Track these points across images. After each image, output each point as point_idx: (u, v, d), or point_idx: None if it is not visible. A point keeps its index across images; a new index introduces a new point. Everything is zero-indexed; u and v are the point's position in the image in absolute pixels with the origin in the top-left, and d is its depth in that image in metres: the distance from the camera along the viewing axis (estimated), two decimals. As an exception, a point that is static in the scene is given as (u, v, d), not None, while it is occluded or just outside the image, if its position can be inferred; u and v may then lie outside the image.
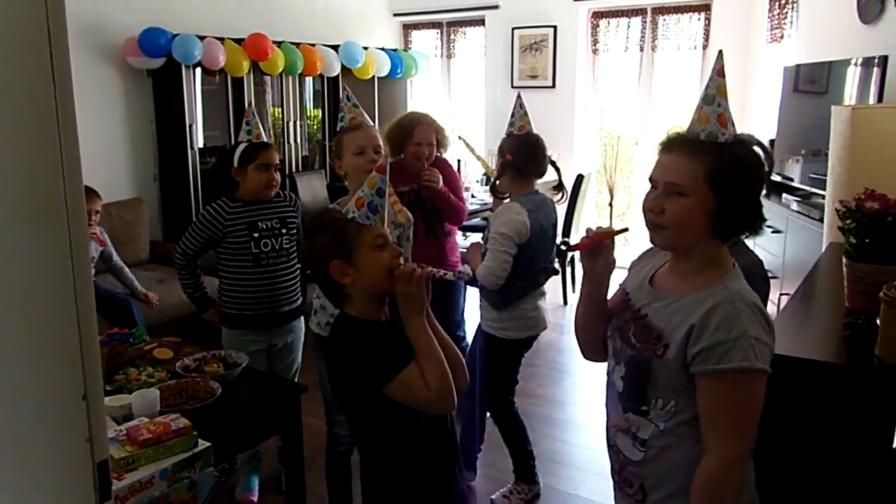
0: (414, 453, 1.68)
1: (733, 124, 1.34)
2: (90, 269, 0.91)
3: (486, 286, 2.68)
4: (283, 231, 2.82)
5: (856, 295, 1.84)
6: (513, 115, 2.78)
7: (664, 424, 1.36)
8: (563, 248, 1.51)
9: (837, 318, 1.82)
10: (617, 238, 1.50)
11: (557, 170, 2.87)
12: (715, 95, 1.35)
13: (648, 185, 1.41)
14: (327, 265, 1.62)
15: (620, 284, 1.59)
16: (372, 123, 2.55)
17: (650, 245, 1.51)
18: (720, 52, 1.39)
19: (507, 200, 2.76)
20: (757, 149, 1.33)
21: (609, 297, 1.57)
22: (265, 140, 2.85)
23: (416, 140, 3.15)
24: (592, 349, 1.63)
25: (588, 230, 1.51)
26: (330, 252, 1.61)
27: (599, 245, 1.49)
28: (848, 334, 1.69)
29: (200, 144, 5.39)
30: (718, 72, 1.37)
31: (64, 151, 0.86)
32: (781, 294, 3.61)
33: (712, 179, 1.29)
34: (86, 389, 0.89)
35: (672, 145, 1.36)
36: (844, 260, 1.86)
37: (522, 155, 2.70)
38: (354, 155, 2.42)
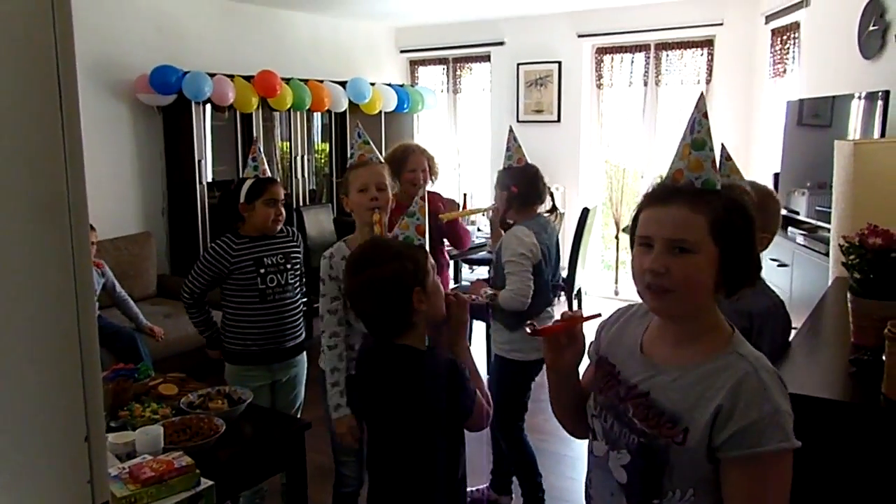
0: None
1: (717, 169, 1.27)
2: (94, 304, 0.92)
3: (514, 308, 2.73)
4: (288, 266, 2.83)
5: (861, 331, 1.83)
6: (508, 149, 2.91)
7: None
8: (528, 330, 1.41)
9: (843, 354, 1.81)
10: (588, 323, 1.36)
11: (551, 194, 3.00)
12: (705, 140, 1.25)
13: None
14: (406, 292, 1.59)
15: (592, 352, 1.43)
16: (381, 159, 2.59)
17: (619, 307, 1.43)
18: (701, 94, 1.33)
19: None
20: (750, 189, 1.33)
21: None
22: (269, 175, 2.89)
23: (409, 167, 3.26)
24: (582, 430, 1.44)
25: (563, 314, 1.37)
26: (410, 279, 1.59)
27: (570, 331, 1.34)
28: (854, 371, 1.67)
29: (209, 179, 5.45)
30: (704, 114, 1.28)
31: (70, 178, 0.87)
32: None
33: (716, 231, 1.18)
34: (88, 430, 0.89)
35: (668, 197, 1.23)
36: (849, 295, 1.86)
37: (526, 186, 2.84)
38: (357, 192, 2.44)
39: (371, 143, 2.57)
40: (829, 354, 1.92)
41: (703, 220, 1.18)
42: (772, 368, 1.19)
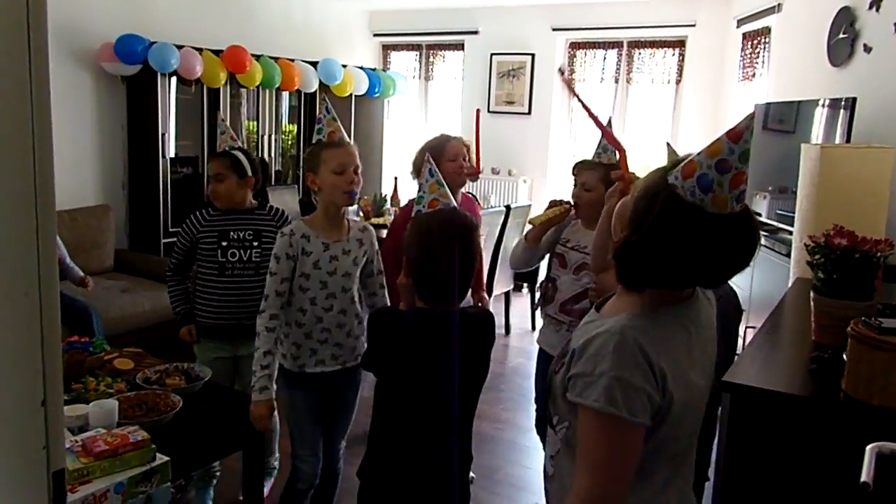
0: None
1: (701, 188, 1.14)
2: (56, 268, 0.88)
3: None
4: (255, 244, 2.77)
5: (822, 329, 1.86)
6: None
7: (560, 445, 1.31)
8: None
9: (804, 351, 1.84)
10: None
11: None
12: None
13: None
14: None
15: None
16: (349, 140, 2.47)
17: None
18: (751, 114, 1.20)
19: None
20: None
21: None
22: (232, 146, 2.84)
23: (448, 157, 3.07)
24: None
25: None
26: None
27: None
28: (815, 367, 1.70)
29: (172, 154, 5.33)
30: (730, 131, 1.15)
31: (38, 155, 0.83)
32: (748, 327, 3.64)
33: (636, 200, 1.23)
34: (45, 395, 0.85)
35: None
36: (812, 294, 1.89)
37: None
38: (333, 173, 2.32)
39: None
40: (790, 352, 1.96)
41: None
42: (632, 339, 1.16)
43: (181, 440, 2.13)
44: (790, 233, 3.61)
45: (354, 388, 2.49)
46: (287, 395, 2.43)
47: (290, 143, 6.35)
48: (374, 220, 5.54)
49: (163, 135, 5.08)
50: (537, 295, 5.57)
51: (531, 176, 6.65)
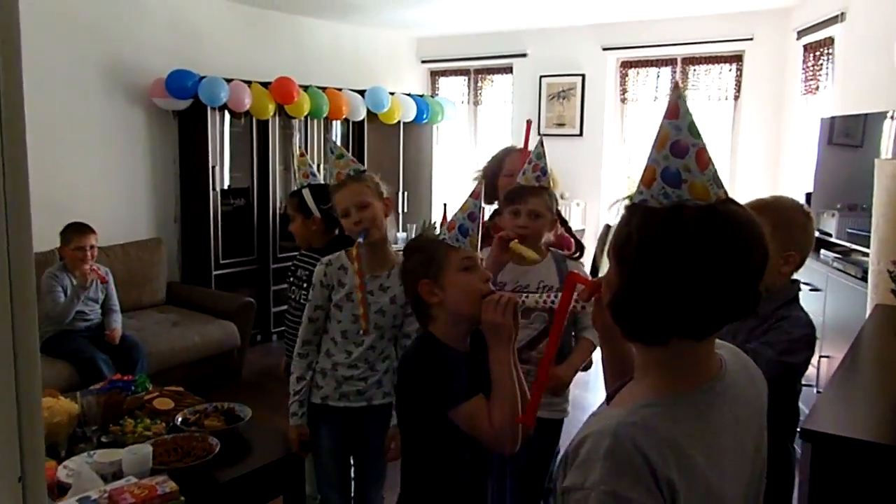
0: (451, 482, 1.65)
1: (670, 183, 0.95)
2: (35, 321, 0.78)
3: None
4: (305, 285, 2.65)
5: (913, 367, 1.67)
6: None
7: None
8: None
9: (888, 392, 1.65)
10: None
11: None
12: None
13: None
14: (417, 284, 1.64)
15: None
16: (360, 169, 2.29)
17: None
18: (675, 83, 1.05)
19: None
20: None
21: None
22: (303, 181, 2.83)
23: (505, 172, 2.73)
24: None
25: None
26: (419, 271, 1.64)
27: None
28: (905, 412, 1.51)
29: (226, 185, 5.39)
30: (666, 112, 0.99)
31: (7, 173, 0.74)
32: (822, 356, 3.40)
33: (612, 246, 1.02)
34: (23, 471, 0.76)
35: None
36: (899, 327, 1.69)
37: None
38: (342, 217, 2.26)
39: (346, 155, 2.31)
40: (873, 392, 1.76)
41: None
42: (628, 441, 0.90)
43: (217, 485, 2.05)
44: (864, 254, 3.36)
45: (384, 427, 2.28)
46: (311, 430, 2.33)
47: (339, 171, 6.32)
48: (424, 248, 5.44)
49: (213, 167, 5.11)
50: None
51: (584, 199, 6.48)
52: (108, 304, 4.09)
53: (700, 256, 0.91)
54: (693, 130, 0.94)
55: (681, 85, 6.07)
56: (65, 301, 3.84)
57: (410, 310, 2.23)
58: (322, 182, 2.82)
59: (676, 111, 0.95)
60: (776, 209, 1.78)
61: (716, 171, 0.95)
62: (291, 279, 2.78)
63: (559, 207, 2.40)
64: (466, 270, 1.62)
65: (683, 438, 0.92)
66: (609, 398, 1.11)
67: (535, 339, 2.32)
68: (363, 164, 6.19)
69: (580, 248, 2.51)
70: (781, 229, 1.63)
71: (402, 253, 2.19)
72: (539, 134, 6.75)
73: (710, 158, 0.94)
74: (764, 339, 1.67)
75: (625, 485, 0.88)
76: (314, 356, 2.31)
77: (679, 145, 0.93)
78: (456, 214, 1.66)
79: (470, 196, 1.70)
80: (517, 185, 2.32)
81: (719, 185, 0.94)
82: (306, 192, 2.73)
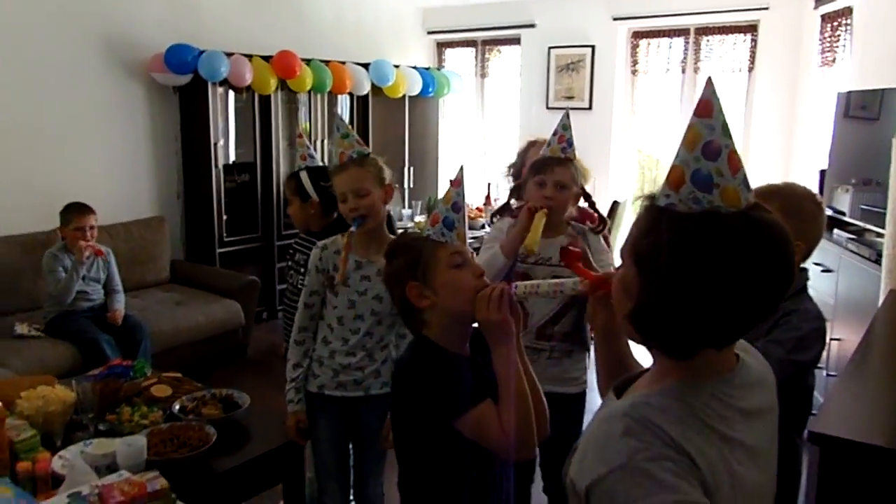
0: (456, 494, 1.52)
1: (701, 188, 0.89)
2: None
3: None
4: (303, 270, 2.60)
5: (930, 363, 1.60)
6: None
7: None
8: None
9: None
10: None
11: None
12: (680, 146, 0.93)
13: None
14: (404, 289, 1.51)
15: None
16: (364, 152, 2.20)
17: None
18: (709, 79, 0.96)
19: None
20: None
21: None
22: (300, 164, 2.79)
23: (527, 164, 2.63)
24: None
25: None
26: (405, 274, 1.51)
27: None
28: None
29: (232, 160, 5.35)
30: (697, 108, 0.93)
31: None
32: (832, 339, 3.33)
33: (633, 251, 0.96)
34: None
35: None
36: (917, 321, 1.62)
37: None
38: (340, 202, 2.19)
39: (351, 135, 2.20)
40: (886, 389, 1.68)
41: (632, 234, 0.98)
42: (644, 418, 0.88)
43: (214, 475, 2.02)
44: (878, 234, 3.27)
45: (382, 418, 2.22)
46: (309, 418, 2.28)
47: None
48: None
49: (215, 144, 5.04)
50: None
51: (593, 173, 6.35)
52: (110, 285, 4.07)
53: (739, 267, 0.87)
54: (726, 130, 0.89)
55: (695, 57, 5.93)
56: (65, 278, 3.81)
57: None
58: (320, 164, 2.75)
59: (710, 109, 0.90)
60: (787, 196, 1.71)
61: (745, 173, 0.89)
62: (290, 263, 2.74)
63: (584, 182, 2.35)
64: (457, 267, 1.49)
65: (702, 420, 0.89)
66: (617, 389, 1.07)
67: (557, 315, 2.30)
68: (368, 139, 6.13)
69: (603, 222, 2.43)
70: (791, 217, 1.54)
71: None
72: (547, 107, 6.66)
73: (740, 160, 0.89)
74: (771, 336, 1.60)
75: (653, 459, 0.84)
76: (311, 343, 2.27)
77: (712, 147, 0.88)
78: (439, 206, 1.53)
79: (452, 184, 1.56)
80: (543, 155, 2.31)
81: (748, 188, 0.89)
82: (304, 175, 2.66)
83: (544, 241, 2.23)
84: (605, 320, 1.19)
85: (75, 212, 3.84)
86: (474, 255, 1.56)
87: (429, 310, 1.50)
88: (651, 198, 0.95)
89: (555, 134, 2.30)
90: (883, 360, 1.85)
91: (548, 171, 2.23)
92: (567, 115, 2.32)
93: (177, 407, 2.27)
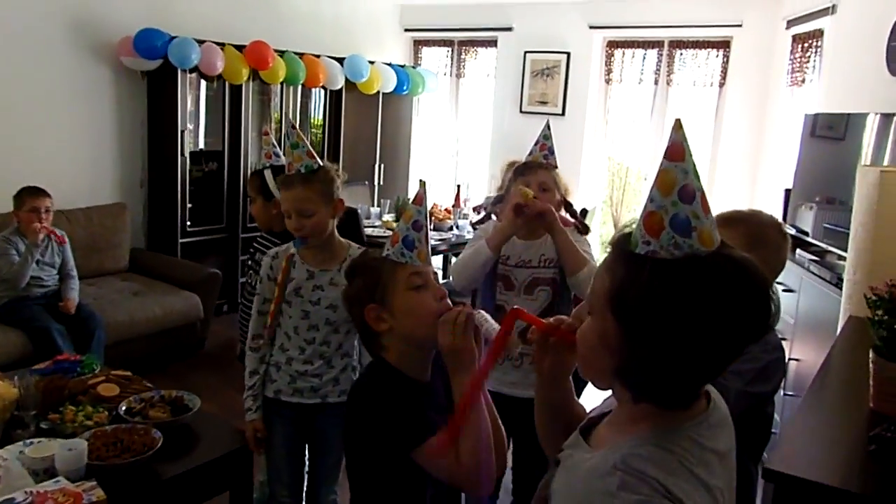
0: None
1: (680, 232, 0.88)
2: None
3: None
4: (258, 269, 2.57)
5: (883, 397, 1.60)
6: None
7: None
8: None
9: (861, 423, 1.58)
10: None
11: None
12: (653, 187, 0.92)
13: None
14: (363, 311, 1.45)
15: None
16: (312, 167, 2.09)
17: None
18: (677, 121, 0.93)
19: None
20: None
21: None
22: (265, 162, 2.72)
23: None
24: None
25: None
26: (363, 296, 1.45)
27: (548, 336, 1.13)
28: (873, 449, 1.45)
29: (201, 147, 5.28)
30: (668, 152, 0.91)
31: None
32: (791, 359, 3.36)
33: (613, 304, 0.91)
34: None
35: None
36: (872, 355, 1.63)
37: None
38: (286, 217, 2.13)
39: (301, 145, 2.09)
40: (844, 424, 1.68)
41: (606, 283, 0.93)
42: (639, 472, 0.86)
43: (159, 481, 1.96)
44: (840, 257, 3.31)
45: (339, 426, 2.22)
46: (265, 423, 2.23)
47: (317, 140, 6.15)
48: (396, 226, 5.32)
49: (182, 132, 4.93)
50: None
51: (564, 179, 6.36)
52: (64, 269, 3.96)
53: (730, 307, 0.86)
54: (696, 173, 0.89)
55: (668, 69, 5.96)
56: (19, 262, 3.69)
57: None
58: (284, 163, 2.70)
59: (682, 153, 0.88)
60: (752, 224, 1.71)
61: (712, 215, 0.90)
62: (250, 262, 2.68)
63: (565, 193, 2.39)
64: (417, 289, 1.42)
65: (688, 469, 0.88)
66: (583, 431, 1.04)
67: (539, 317, 2.24)
68: (339, 135, 6.06)
69: (584, 229, 2.41)
70: (755, 246, 1.54)
71: (359, 250, 2.07)
72: (521, 111, 6.64)
73: (707, 202, 0.89)
74: (731, 367, 1.58)
75: None
76: (266, 349, 2.22)
77: (687, 190, 0.87)
78: (399, 225, 1.46)
79: (412, 202, 1.49)
80: (525, 160, 2.38)
81: (715, 228, 0.89)
82: (268, 174, 2.61)
83: (526, 244, 2.30)
84: (553, 366, 1.15)
85: (28, 194, 3.74)
86: (438, 275, 1.50)
87: (387, 333, 1.45)
88: (620, 243, 0.92)
89: (536, 143, 2.38)
90: (840, 391, 1.86)
91: (531, 173, 2.29)
92: (548, 126, 2.39)
93: (123, 408, 2.20)
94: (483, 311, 1.40)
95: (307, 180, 2.07)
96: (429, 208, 1.48)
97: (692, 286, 0.85)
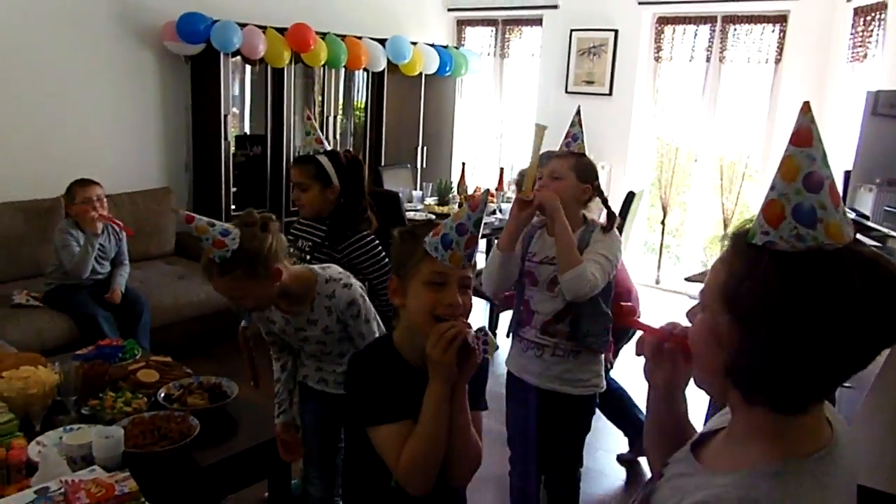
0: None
1: (804, 223, 0.82)
2: None
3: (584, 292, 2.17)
4: (308, 259, 2.55)
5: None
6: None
7: None
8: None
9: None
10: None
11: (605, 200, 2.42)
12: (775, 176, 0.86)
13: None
14: (391, 278, 1.50)
15: None
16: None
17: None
18: (805, 104, 0.86)
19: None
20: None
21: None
22: (317, 147, 2.65)
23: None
24: None
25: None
26: (396, 264, 1.49)
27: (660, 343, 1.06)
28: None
29: (247, 131, 5.30)
30: (794, 137, 0.84)
31: None
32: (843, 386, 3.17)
33: (728, 297, 0.86)
34: None
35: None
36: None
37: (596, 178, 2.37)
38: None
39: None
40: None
41: (721, 277, 0.88)
42: None
43: (197, 468, 1.96)
44: (903, 242, 3.14)
45: None
46: (299, 406, 2.29)
47: (361, 122, 6.13)
48: (438, 209, 5.27)
49: (225, 116, 4.94)
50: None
51: (610, 161, 6.22)
52: (119, 258, 3.98)
53: (855, 308, 0.78)
54: (825, 161, 0.83)
55: (721, 46, 5.74)
56: (79, 252, 3.71)
57: (355, 314, 2.07)
58: (331, 150, 2.67)
59: (809, 138, 0.83)
60: None
61: (845, 208, 0.83)
62: (292, 249, 2.64)
63: (597, 180, 2.34)
64: (433, 286, 1.39)
65: None
66: (693, 446, 0.99)
67: (561, 313, 2.28)
68: (381, 117, 6.02)
69: (612, 219, 2.36)
70: None
71: (327, 283, 2.04)
72: (566, 91, 6.50)
73: (839, 193, 0.82)
74: None
75: None
76: (286, 357, 2.29)
77: (813, 178, 0.81)
78: (447, 221, 1.43)
79: (468, 204, 1.43)
80: (548, 150, 2.41)
81: (849, 223, 0.82)
82: (324, 160, 2.57)
83: (552, 240, 2.19)
84: (666, 377, 1.08)
85: (78, 186, 3.75)
86: (471, 280, 1.44)
87: (400, 308, 1.47)
88: (739, 236, 0.86)
89: (566, 132, 2.35)
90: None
91: (545, 165, 2.31)
92: (578, 112, 2.36)
93: (162, 394, 2.21)
94: (488, 331, 1.40)
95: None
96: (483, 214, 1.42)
97: (812, 281, 0.79)
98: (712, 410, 1.22)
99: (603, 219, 2.40)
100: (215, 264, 1.88)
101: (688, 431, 1.12)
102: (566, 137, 2.32)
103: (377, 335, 2.09)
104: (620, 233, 4.72)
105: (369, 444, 1.42)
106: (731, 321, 0.85)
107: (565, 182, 2.25)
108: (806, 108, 0.84)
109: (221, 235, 1.85)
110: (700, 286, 0.94)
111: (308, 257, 2.58)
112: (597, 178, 2.34)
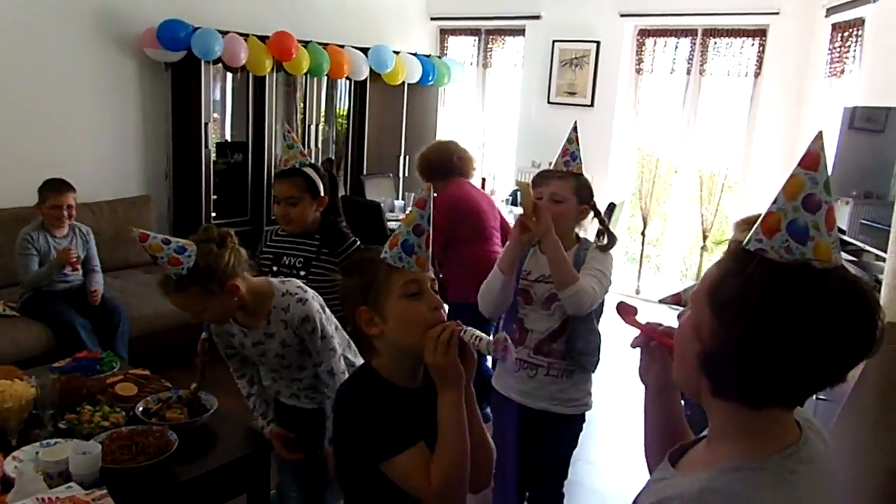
0: None
1: (795, 238, 0.87)
2: None
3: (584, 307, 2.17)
4: (303, 274, 2.51)
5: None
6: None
7: None
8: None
9: (888, 456, 1.49)
10: None
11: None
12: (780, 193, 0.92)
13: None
14: (354, 313, 1.41)
15: None
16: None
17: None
18: (819, 133, 0.92)
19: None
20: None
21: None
22: (302, 160, 2.58)
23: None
24: None
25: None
26: (356, 296, 1.40)
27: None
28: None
29: (228, 138, 5.28)
30: (803, 159, 0.90)
31: None
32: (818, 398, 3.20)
33: (713, 293, 0.91)
34: None
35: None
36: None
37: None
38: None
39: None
40: (874, 460, 1.58)
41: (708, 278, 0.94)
42: None
43: (175, 483, 1.93)
44: (879, 257, 3.18)
45: None
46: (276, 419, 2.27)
47: (341, 130, 6.12)
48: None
49: (206, 124, 4.92)
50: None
51: (591, 172, 6.19)
52: (89, 265, 3.95)
53: (827, 323, 0.83)
54: (828, 187, 0.89)
55: (701, 59, 5.81)
56: (39, 272, 3.69)
57: (310, 330, 2.05)
58: (312, 163, 2.66)
59: (816, 163, 0.89)
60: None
61: (838, 234, 0.88)
62: (275, 269, 2.56)
63: (594, 199, 2.34)
64: (412, 297, 1.36)
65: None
66: (672, 457, 1.02)
67: (555, 332, 2.27)
68: (364, 126, 6.01)
69: (612, 240, 2.34)
70: None
71: (283, 296, 2.02)
72: (548, 102, 6.53)
73: (835, 220, 0.89)
74: None
75: None
76: (251, 371, 2.29)
77: (813, 199, 0.88)
78: (400, 227, 1.39)
79: (414, 205, 1.41)
80: (545, 170, 2.37)
81: (839, 249, 0.87)
82: (311, 171, 2.55)
83: (543, 258, 2.21)
84: (659, 377, 1.15)
85: (52, 189, 3.71)
86: (435, 282, 1.42)
87: (378, 338, 1.40)
88: (738, 242, 0.92)
89: (562, 148, 2.31)
90: (878, 409, 1.77)
91: (544, 184, 2.26)
92: (574, 128, 2.30)
93: (140, 408, 2.18)
94: (472, 329, 1.35)
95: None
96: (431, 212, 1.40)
97: (792, 290, 0.84)
98: (688, 411, 1.25)
99: (593, 235, 2.40)
100: (172, 281, 1.87)
101: (685, 431, 1.17)
102: (563, 155, 2.28)
103: (336, 350, 2.07)
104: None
105: (375, 483, 1.36)
106: (712, 315, 0.89)
107: (567, 205, 2.24)
108: (819, 136, 0.90)
109: (177, 253, 1.83)
110: (675, 309, 0.97)
111: (303, 273, 2.54)
112: (593, 196, 2.34)
